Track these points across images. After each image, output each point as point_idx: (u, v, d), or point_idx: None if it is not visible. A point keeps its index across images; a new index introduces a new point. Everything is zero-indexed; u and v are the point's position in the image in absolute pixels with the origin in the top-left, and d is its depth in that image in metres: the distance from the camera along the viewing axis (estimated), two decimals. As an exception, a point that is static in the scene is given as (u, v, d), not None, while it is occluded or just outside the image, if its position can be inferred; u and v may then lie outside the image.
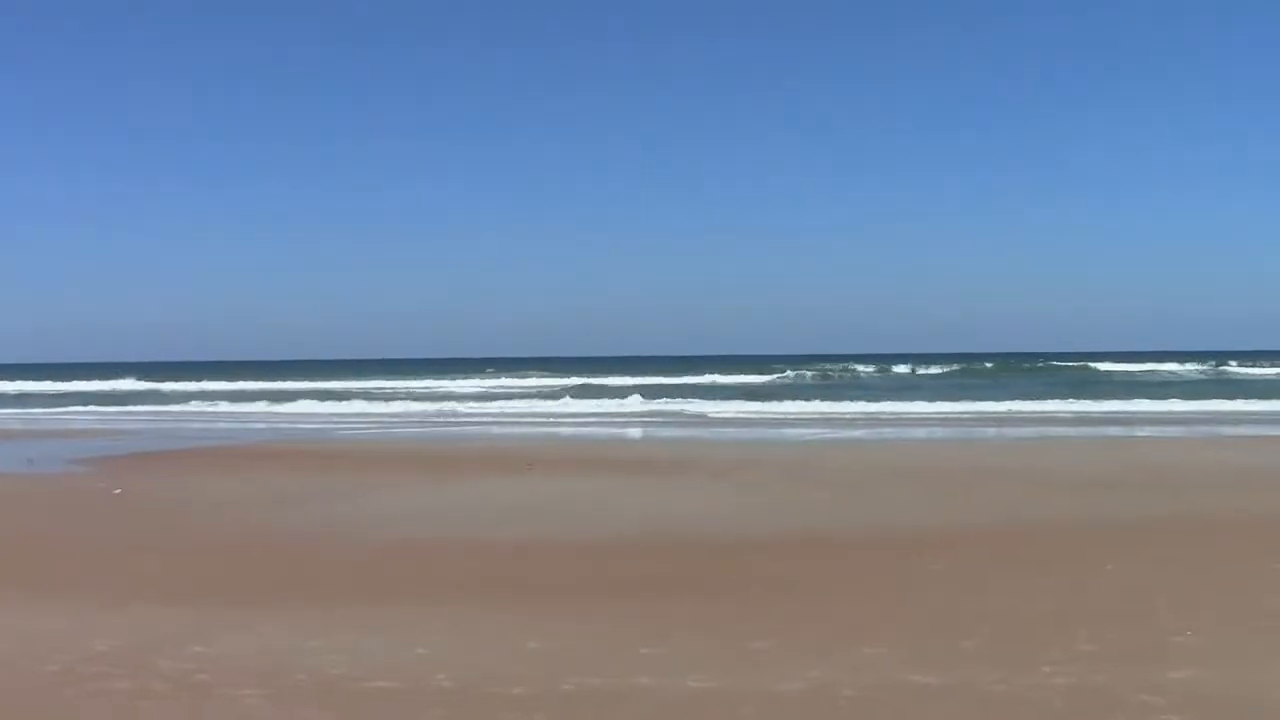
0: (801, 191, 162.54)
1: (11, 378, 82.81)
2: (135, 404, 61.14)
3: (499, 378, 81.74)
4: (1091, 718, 7.63)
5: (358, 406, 55.50)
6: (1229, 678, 8.47)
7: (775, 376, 75.66)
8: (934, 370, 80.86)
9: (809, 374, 78.98)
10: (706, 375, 77.04)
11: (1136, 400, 51.49)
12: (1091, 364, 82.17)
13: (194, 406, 57.35)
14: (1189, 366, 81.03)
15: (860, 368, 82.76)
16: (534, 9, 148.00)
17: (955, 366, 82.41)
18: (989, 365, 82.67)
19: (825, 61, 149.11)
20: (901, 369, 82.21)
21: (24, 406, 60.42)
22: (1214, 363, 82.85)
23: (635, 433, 39.25)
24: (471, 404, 57.20)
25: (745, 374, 77.14)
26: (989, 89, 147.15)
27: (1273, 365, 79.43)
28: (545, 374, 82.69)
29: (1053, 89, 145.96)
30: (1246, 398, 51.42)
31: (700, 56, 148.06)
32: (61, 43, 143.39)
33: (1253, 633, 9.79)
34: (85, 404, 60.71)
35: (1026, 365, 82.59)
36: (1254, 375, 74.92)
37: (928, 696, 8.15)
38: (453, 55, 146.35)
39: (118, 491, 20.61)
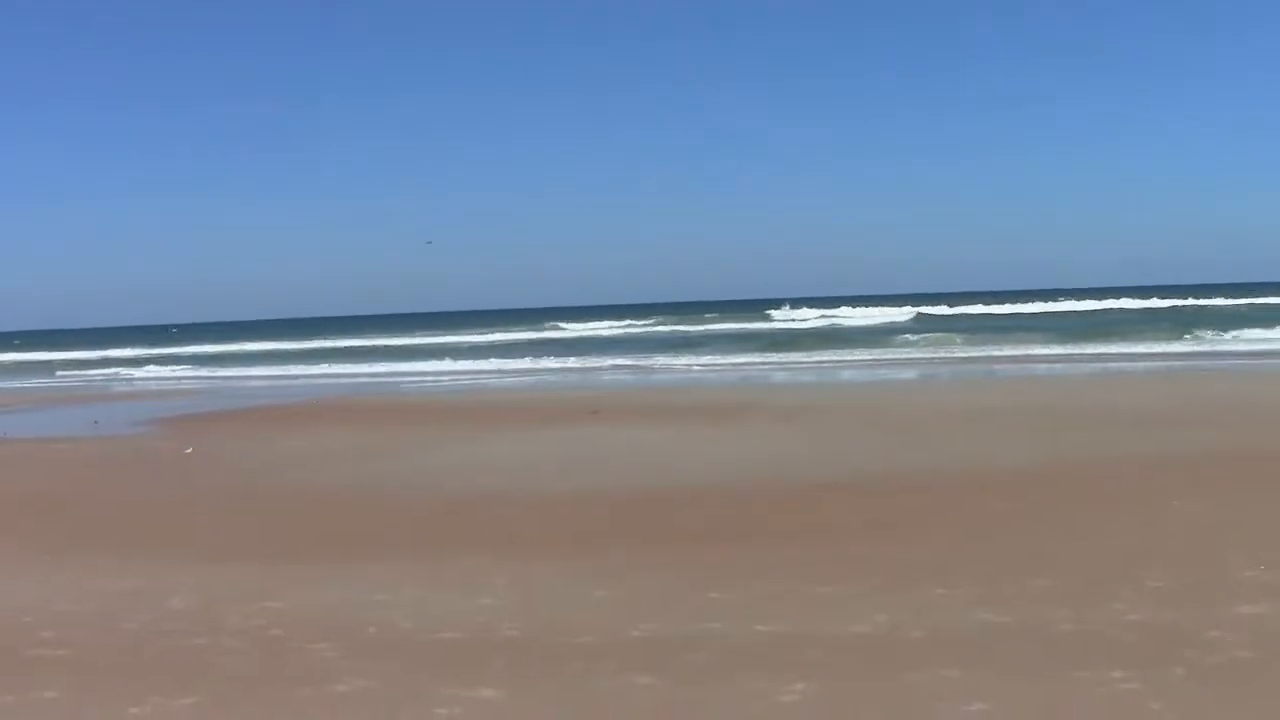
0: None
1: (87, 346, 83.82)
2: (212, 366, 61.56)
3: (559, 328, 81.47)
4: (1162, 654, 7.56)
5: (421, 365, 55.44)
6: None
7: (802, 324, 75.14)
8: (999, 310, 79.54)
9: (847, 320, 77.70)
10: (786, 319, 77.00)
11: (1197, 338, 50.54)
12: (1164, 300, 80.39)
13: (258, 370, 57.46)
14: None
15: (928, 309, 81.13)
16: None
17: (1019, 306, 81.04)
18: (1053, 306, 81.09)
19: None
20: (967, 310, 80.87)
21: (93, 369, 61.36)
22: None
23: (700, 378, 39.21)
24: (546, 359, 56.66)
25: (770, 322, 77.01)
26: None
27: None
28: (625, 320, 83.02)
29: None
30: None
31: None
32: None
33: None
34: (137, 367, 61.65)
35: (1091, 305, 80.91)
36: None
37: (998, 636, 8.10)
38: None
39: (188, 451, 20.99)
